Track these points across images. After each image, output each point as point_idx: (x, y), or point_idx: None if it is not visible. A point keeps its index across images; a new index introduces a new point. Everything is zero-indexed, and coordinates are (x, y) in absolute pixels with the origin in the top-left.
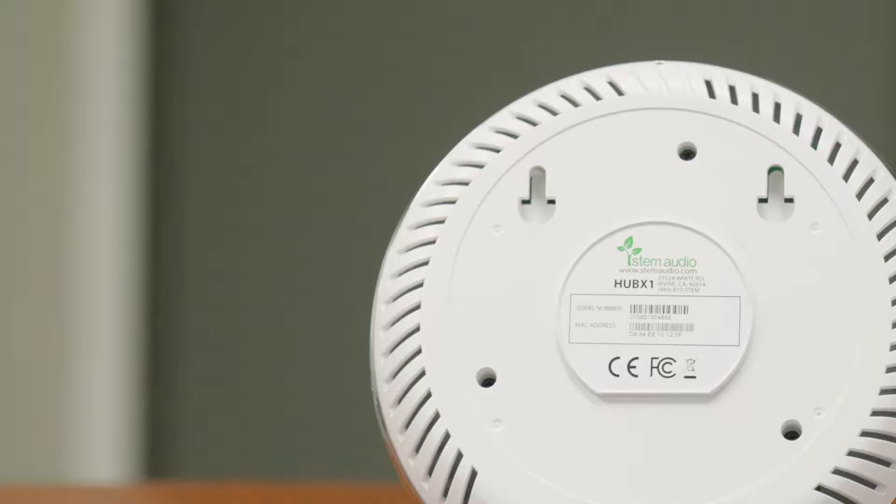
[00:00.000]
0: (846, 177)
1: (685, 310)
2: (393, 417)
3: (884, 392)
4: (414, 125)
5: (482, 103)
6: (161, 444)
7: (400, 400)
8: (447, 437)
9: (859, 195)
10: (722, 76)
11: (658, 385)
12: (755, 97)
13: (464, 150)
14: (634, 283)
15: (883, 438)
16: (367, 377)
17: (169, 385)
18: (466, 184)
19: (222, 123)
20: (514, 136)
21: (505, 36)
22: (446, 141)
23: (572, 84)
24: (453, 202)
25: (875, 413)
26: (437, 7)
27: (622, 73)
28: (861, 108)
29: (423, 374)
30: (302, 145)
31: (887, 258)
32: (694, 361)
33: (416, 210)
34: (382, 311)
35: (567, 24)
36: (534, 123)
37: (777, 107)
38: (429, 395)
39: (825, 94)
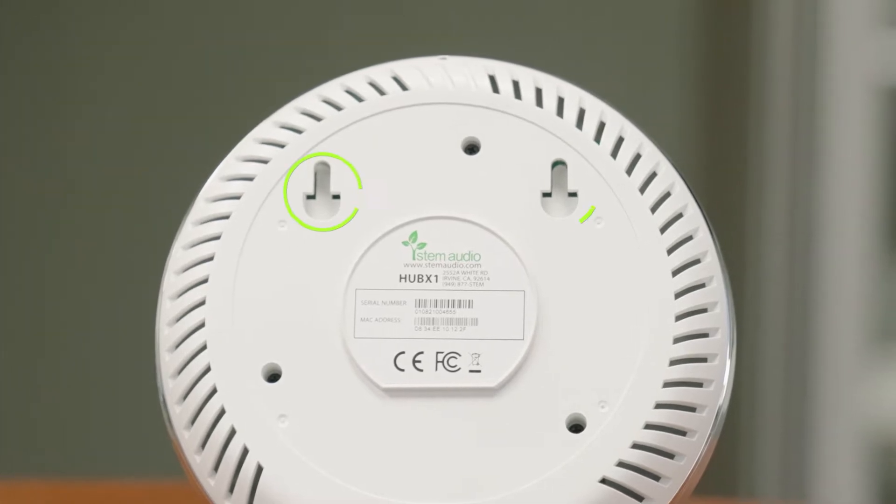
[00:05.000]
0: (629, 171)
1: (470, 304)
2: (178, 414)
3: (667, 385)
4: (200, 121)
5: (269, 99)
6: None
7: (185, 396)
8: (233, 433)
9: (642, 189)
10: (506, 71)
11: (443, 379)
12: (539, 92)
13: (248, 145)
14: (419, 278)
15: (666, 431)
16: (153, 373)
17: None
18: (251, 179)
19: (8, 119)
20: (299, 132)
21: (291, 32)
22: (233, 137)
23: (357, 79)
24: (238, 197)
25: (659, 406)
26: (224, 5)
27: (406, 67)
28: (653, 106)
29: (208, 370)
30: (90, 140)
31: (670, 251)
32: (479, 356)
33: (201, 205)
34: (167, 307)
35: (353, 20)
36: (318, 118)
37: (560, 101)
38: (214, 392)
39: (614, 91)
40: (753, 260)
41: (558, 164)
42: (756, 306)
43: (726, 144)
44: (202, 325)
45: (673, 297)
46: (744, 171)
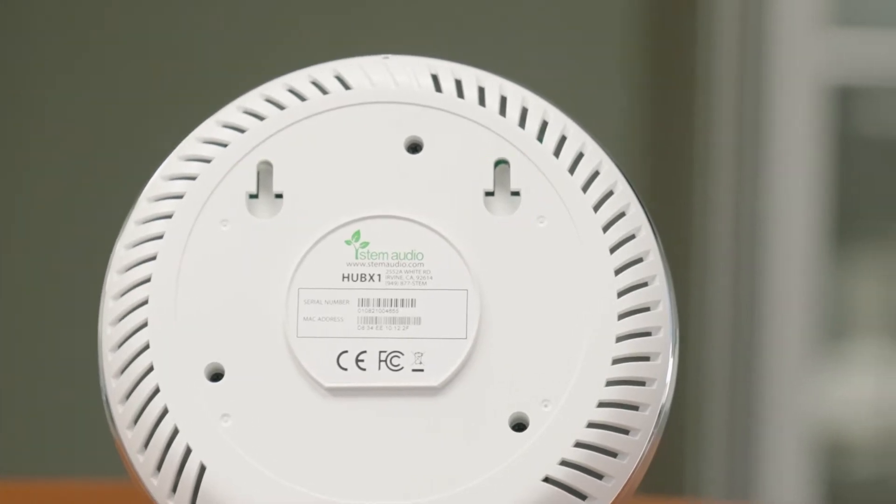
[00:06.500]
0: (572, 170)
1: (413, 303)
2: (121, 413)
3: (610, 384)
4: (143, 120)
5: (212, 98)
6: None
7: (128, 396)
8: (175, 432)
9: (585, 188)
10: (448, 70)
11: (386, 378)
12: (481, 91)
13: (191, 144)
14: (362, 277)
15: (609, 430)
16: (96, 373)
17: None
18: (193, 178)
19: None
20: (241, 131)
21: (234, 32)
22: (176, 135)
23: (299, 78)
24: (180, 197)
25: (602, 404)
26: (168, 5)
27: (349, 66)
28: (597, 105)
29: (150, 369)
30: (34, 139)
31: (613, 250)
32: (422, 354)
33: (144, 205)
34: (110, 306)
35: (295, 19)
36: (261, 118)
37: (503, 101)
38: (157, 391)
39: (558, 90)
40: (699, 259)
41: (501, 163)
42: (701, 305)
43: (672, 144)
44: (145, 325)
45: (615, 295)
46: (689, 171)
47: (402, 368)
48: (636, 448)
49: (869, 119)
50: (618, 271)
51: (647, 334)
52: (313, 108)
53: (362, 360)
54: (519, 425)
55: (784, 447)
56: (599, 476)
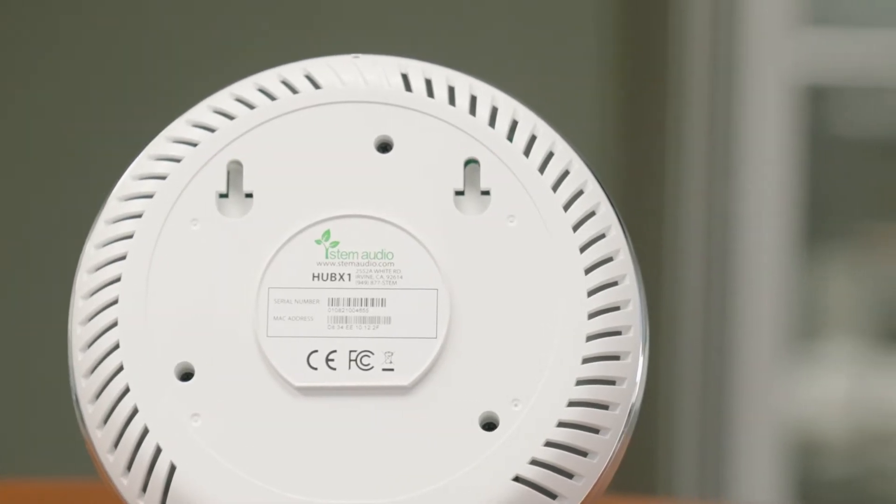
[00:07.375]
0: (542, 169)
1: (383, 303)
2: (91, 413)
3: (580, 383)
4: (114, 120)
5: (182, 98)
6: None
7: (98, 395)
8: (145, 431)
9: (555, 187)
10: (418, 70)
11: (356, 378)
12: (451, 90)
13: (161, 143)
14: (332, 277)
15: (579, 429)
16: (66, 372)
17: None
18: (163, 178)
19: None
20: (212, 130)
21: (204, 31)
22: (147, 135)
23: (269, 77)
24: (150, 196)
25: (572, 404)
26: (140, 3)
27: (319, 66)
28: (568, 104)
29: (121, 368)
30: (1, 137)
31: (583, 249)
32: (392, 354)
33: (114, 204)
34: (80, 306)
35: (265, 18)
36: (231, 117)
37: (473, 100)
38: (127, 391)
39: (529, 89)
40: (670, 258)
41: (471, 162)
42: (672, 304)
43: (643, 143)
44: (115, 325)
45: (586, 294)
46: (661, 170)
47: (372, 368)
48: (606, 447)
49: (840, 119)
50: (588, 270)
51: (618, 333)
52: (283, 108)
53: (332, 360)
54: (489, 424)
55: (756, 446)
56: (570, 475)
